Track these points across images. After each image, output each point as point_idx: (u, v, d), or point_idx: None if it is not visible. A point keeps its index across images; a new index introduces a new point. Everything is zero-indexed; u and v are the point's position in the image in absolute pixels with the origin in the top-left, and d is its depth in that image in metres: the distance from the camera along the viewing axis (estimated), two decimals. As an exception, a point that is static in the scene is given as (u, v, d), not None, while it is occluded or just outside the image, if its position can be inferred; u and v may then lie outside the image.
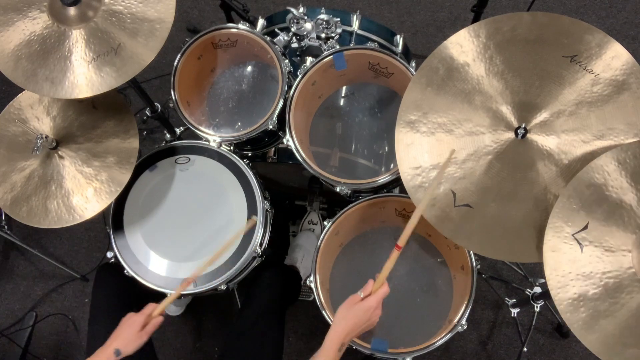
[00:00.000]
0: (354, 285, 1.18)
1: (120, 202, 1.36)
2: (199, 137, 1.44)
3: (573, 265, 0.92)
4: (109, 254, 1.33)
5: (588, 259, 0.92)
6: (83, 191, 1.26)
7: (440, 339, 1.22)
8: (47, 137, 1.23)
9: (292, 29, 1.47)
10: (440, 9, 2.31)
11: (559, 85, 1.03)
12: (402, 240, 1.03)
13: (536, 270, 1.88)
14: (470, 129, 1.08)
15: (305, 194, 1.88)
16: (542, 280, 1.65)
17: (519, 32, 1.06)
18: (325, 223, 1.36)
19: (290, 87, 1.37)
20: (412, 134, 1.11)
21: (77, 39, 1.15)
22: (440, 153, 1.09)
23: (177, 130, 1.68)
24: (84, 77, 1.14)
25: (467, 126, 1.08)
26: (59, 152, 1.27)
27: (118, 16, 1.16)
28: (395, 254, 1.04)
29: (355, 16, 1.53)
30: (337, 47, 1.41)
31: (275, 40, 1.46)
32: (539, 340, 1.85)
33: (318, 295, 1.29)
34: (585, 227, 0.93)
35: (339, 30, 1.46)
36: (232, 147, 1.42)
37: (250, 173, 1.38)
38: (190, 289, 1.29)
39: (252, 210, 1.34)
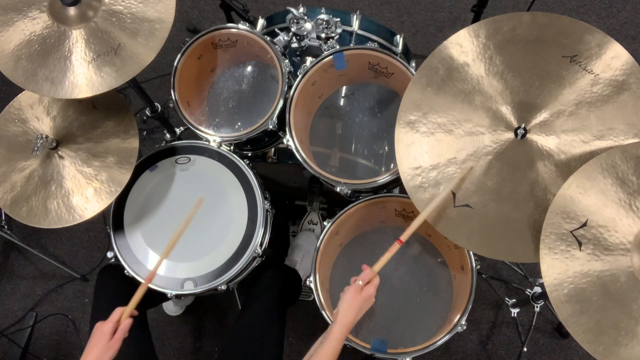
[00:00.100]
0: (353, 285, 1.18)
1: (120, 202, 1.36)
2: (199, 137, 1.44)
3: (571, 263, 0.93)
4: (109, 254, 1.33)
5: (586, 257, 0.92)
6: (83, 191, 1.26)
7: (440, 339, 1.22)
8: (47, 137, 1.23)
9: (292, 29, 1.47)
10: (440, 9, 2.31)
11: (559, 86, 1.03)
12: (405, 236, 1.09)
13: (536, 270, 1.87)
14: (470, 129, 1.08)
15: (305, 194, 1.88)
16: (542, 280, 1.65)
17: (518, 32, 1.06)
18: (325, 223, 1.36)
19: (290, 87, 1.37)
20: (412, 134, 1.11)
21: (77, 39, 1.16)
22: (440, 153, 1.09)
23: (177, 130, 1.68)
24: (84, 77, 1.14)
25: (467, 126, 1.08)
26: (59, 152, 1.27)
27: (118, 16, 1.16)
28: (395, 248, 1.09)
29: (355, 16, 1.53)
30: (337, 47, 1.41)
31: (275, 40, 1.46)
32: (539, 340, 1.85)
33: (318, 295, 1.29)
34: (585, 224, 0.93)
35: (339, 30, 1.46)
36: (232, 147, 1.42)
37: (251, 173, 1.38)
38: (190, 289, 1.29)
39: (252, 210, 1.34)
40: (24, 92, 1.33)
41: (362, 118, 1.52)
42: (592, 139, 1.00)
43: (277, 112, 1.36)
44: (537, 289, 1.62)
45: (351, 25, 1.53)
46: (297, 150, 1.33)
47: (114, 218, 1.35)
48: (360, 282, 1.08)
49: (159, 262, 1.20)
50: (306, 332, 1.89)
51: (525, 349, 1.72)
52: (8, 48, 1.16)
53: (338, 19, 1.45)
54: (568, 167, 1.01)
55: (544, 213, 0.99)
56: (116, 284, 1.36)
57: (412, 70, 1.33)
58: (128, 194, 1.37)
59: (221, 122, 1.54)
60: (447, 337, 1.22)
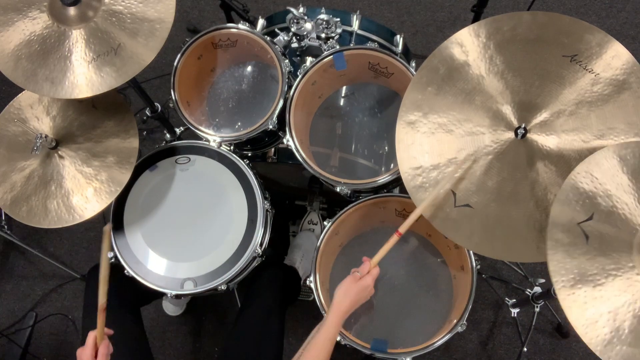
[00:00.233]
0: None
1: (120, 202, 1.36)
2: (199, 137, 1.44)
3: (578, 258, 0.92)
4: (109, 254, 1.33)
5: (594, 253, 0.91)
6: (83, 191, 1.26)
7: (440, 339, 1.22)
8: (47, 136, 1.23)
9: (292, 29, 1.47)
10: (440, 9, 2.31)
11: (559, 85, 1.03)
12: (403, 228, 1.10)
13: (536, 270, 1.88)
14: (471, 129, 1.08)
15: (305, 194, 1.88)
16: (542, 280, 1.65)
17: (519, 31, 1.06)
18: (325, 223, 1.36)
19: (290, 87, 1.37)
20: (413, 134, 1.11)
21: (77, 39, 1.15)
22: (441, 153, 1.09)
23: (177, 130, 1.68)
24: (84, 77, 1.14)
25: (467, 126, 1.08)
26: (59, 152, 1.27)
27: (118, 16, 1.16)
28: (393, 239, 1.11)
29: (355, 16, 1.53)
30: (337, 47, 1.41)
31: (275, 40, 1.46)
32: (539, 340, 1.85)
33: (318, 295, 1.29)
34: (591, 218, 0.92)
35: (339, 30, 1.46)
36: (232, 147, 1.42)
37: (251, 173, 1.38)
38: (190, 289, 1.29)
39: (252, 210, 1.34)
40: (24, 92, 1.33)
41: (362, 118, 1.52)
42: (593, 138, 1.00)
43: (277, 112, 1.36)
44: (537, 289, 1.62)
45: (351, 25, 1.53)
46: (297, 150, 1.33)
47: (114, 218, 1.35)
48: (358, 273, 1.10)
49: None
50: (306, 332, 1.86)
51: (525, 349, 1.72)
52: (8, 48, 1.16)
53: (338, 19, 1.45)
54: (568, 166, 1.00)
55: (545, 213, 0.99)
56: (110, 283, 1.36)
57: (412, 70, 1.33)
58: (128, 194, 1.37)
59: (221, 122, 1.53)
60: (447, 337, 1.22)
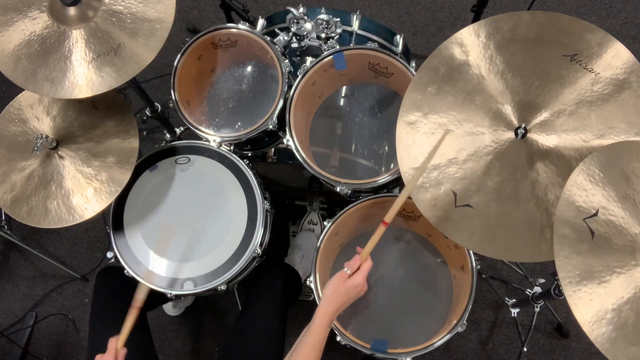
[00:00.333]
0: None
1: (120, 202, 1.36)
2: (199, 137, 1.44)
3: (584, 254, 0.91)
4: (109, 254, 1.33)
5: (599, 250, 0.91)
6: (83, 191, 1.26)
7: (440, 339, 1.22)
8: (47, 137, 1.23)
9: (292, 29, 1.47)
10: (440, 9, 2.31)
11: (559, 85, 1.03)
12: (388, 217, 1.06)
13: (536, 270, 1.88)
14: (471, 129, 1.08)
15: (305, 194, 1.88)
16: (542, 280, 1.65)
17: (519, 31, 1.06)
18: (325, 223, 1.36)
19: (290, 87, 1.37)
20: (413, 134, 1.11)
21: (77, 39, 1.15)
22: (441, 153, 1.09)
23: (177, 130, 1.68)
24: (84, 77, 1.14)
25: (467, 126, 1.08)
26: (59, 152, 1.27)
27: (118, 16, 1.16)
28: (380, 230, 1.07)
29: (355, 16, 1.53)
30: (337, 47, 1.41)
31: (275, 40, 1.46)
32: (539, 340, 1.85)
33: (318, 295, 1.29)
34: (596, 214, 0.92)
35: (339, 30, 1.46)
36: (232, 147, 1.42)
37: (250, 173, 1.38)
38: (190, 289, 1.29)
39: (252, 210, 1.34)
40: (24, 92, 1.33)
41: (362, 118, 1.52)
42: (593, 138, 1.00)
43: (277, 112, 1.36)
44: (537, 289, 1.62)
45: (351, 25, 1.53)
46: (297, 150, 1.33)
47: (114, 218, 1.35)
48: (347, 270, 1.06)
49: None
50: (306, 332, 1.89)
51: (525, 349, 1.72)
52: (8, 48, 1.16)
53: (338, 19, 1.45)
54: (569, 166, 1.00)
55: (545, 213, 0.98)
56: (115, 286, 1.36)
57: (412, 70, 1.33)
58: (128, 194, 1.37)
59: (221, 122, 1.53)
60: (447, 337, 1.22)
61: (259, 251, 1.32)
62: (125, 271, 1.31)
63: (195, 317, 1.97)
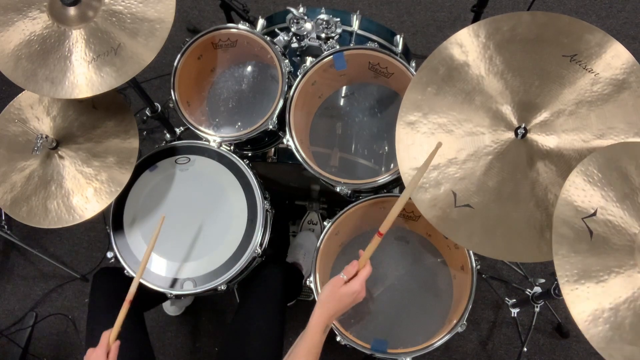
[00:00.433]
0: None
1: (120, 202, 1.36)
2: (199, 137, 1.44)
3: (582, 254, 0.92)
4: (109, 254, 1.33)
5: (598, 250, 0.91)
6: (83, 191, 1.26)
7: (440, 339, 1.22)
8: (47, 137, 1.23)
9: (292, 29, 1.47)
10: (440, 9, 2.31)
11: (559, 85, 1.03)
12: (383, 227, 1.03)
13: (536, 270, 1.88)
14: (471, 129, 1.08)
15: (305, 194, 1.88)
16: (542, 280, 1.65)
17: (518, 31, 1.06)
18: (325, 223, 1.36)
19: (290, 87, 1.37)
20: (413, 134, 1.11)
21: (77, 39, 1.15)
22: (441, 153, 1.09)
23: (177, 130, 1.68)
24: (84, 77, 1.14)
25: (467, 126, 1.08)
26: (59, 152, 1.27)
27: (118, 16, 1.16)
28: (376, 240, 1.03)
29: (355, 16, 1.53)
30: (337, 47, 1.41)
31: (275, 40, 1.46)
32: (539, 340, 1.85)
33: (318, 295, 1.29)
34: (594, 214, 0.92)
35: (339, 30, 1.46)
36: (232, 147, 1.42)
37: (250, 173, 1.38)
38: (190, 289, 1.29)
39: (252, 210, 1.34)
40: (24, 92, 1.33)
41: (362, 118, 1.52)
42: (593, 138, 1.00)
43: (277, 112, 1.36)
44: (537, 289, 1.62)
45: (351, 25, 1.53)
46: (297, 150, 1.33)
47: (114, 218, 1.35)
48: (344, 276, 1.03)
49: (137, 278, 1.18)
50: (306, 332, 1.89)
51: (525, 349, 1.72)
52: (8, 48, 1.16)
53: (338, 19, 1.45)
54: (569, 166, 1.00)
55: (545, 213, 0.98)
56: (112, 286, 1.36)
57: (412, 70, 1.33)
58: (128, 194, 1.37)
59: (221, 122, 1.54)
60: (447, 337, 1.22)
61: (259, 251, 1.32)
62: (125, 271, 1.31)
63: (195, 317, 1.97)
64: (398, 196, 1.35)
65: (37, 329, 2.01)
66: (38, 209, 1.25)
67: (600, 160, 0.94)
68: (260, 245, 1.33)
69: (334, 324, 1.23)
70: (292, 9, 1.46)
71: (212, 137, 1.41)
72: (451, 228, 1.08)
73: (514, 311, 1.71)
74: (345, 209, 1.36)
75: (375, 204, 1.37)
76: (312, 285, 1.30)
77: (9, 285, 2.09)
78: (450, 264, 1.40)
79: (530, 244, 1.02)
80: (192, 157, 1.41)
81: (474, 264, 1.28)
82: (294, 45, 1.49)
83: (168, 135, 1.68)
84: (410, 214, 1.38)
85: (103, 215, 1.28)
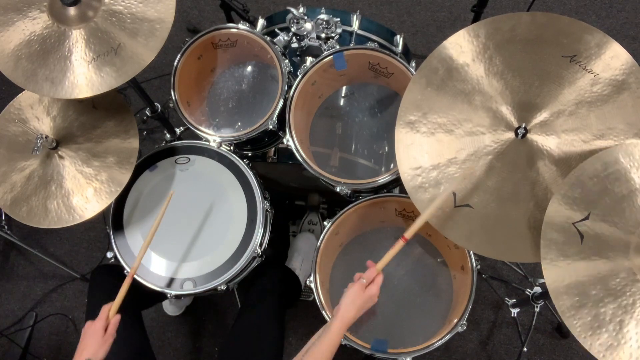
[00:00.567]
0: (354, 285, 1.18)
1: (120, 202, 1.36)
2: (199, 137, 1.44)
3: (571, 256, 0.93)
4: (109, 254, 1.33)
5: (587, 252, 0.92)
6: (83, 191, 1.26)
7: (440, 339, 1.22)
8: (47, 137, 1.23)
9: (292, 29, 1.47)
10: (440, 9, 2.31)
11: (559, 85, 1.03)
12: (409, 233, 1.08)
13: (536, 270, 1.88)
14: (470, 129, 1.08)
15: (305, 194, 1.88)
16: (542, 280, 1.65)
17: (518, 32, 1.06)
18: (325, 223, 1.36)
19: (290, 87, 1.37)
20: (412, 134, 1.11)
21: (77, 39, 1.16)
22: (441, 153, 1.09)
23: (177, 130, 1.68)
24: (84, 77, 1.14)
25: (467, 126, 1.08)
26: (59, 152, 1.27)
27: (118, 16, 1.16)
28: (399, 245, 1.09)
29: (355, 16, 1.53)
30: (337, 47, 1.41)
31: (275, 40, 1.46)
32: (539, 340, 1.85)
33: (318, 295, 1.29)
34: (587, 217, 0.92)
35: (339, 30, 1.46)
36: (232, 147, 1.42)
37: (250, 173, 1.38)
38: (190, 289, 1.29)
39: (252, 210, 1.34)
40: (24, 92, 1.33)
41: (362, 118, 1.52)
42: (592, 138, 1.00)
43: (277, 112, 1.36)
44: (537, 289, 1.62)
45: (351, 25, 1.53)
46: (297, 150, 1.33)
47: (114, 218, 1.35)
48: (364, 281, 1.08)
49: (141, 253, 1.20)
50: (306, 332, 1.89)
51: (525, 349, 1.72)
52: (8, 48, 1.16)
53: (338, 19, 1.45)
54: (568, 166, 1.01)
55: (545, 213, 0.98)
56: (110, 284, 1.36)
57: (412, 70, 1.33)
58: (128, 194, 1.37)
59: (221, 122, 1.54)
60: (447, 337, 1.22)
61: (259, 251, 1.32)
62: (125, 271, 1.31)
63: (195, 317, 1.97)
64: (398, 196, 1.35)
65: (37, 329, 2.01)
66: (38, 209, 1.25)
67: (594, 164, 0.95)
68: (260, 245, 1.33)
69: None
70: (292, 9, 1.46)
71: (212, 137, 1.41)
72: (451, 228, 1.08)
73: (514, 311, 1.71)
74: (345, 209, 1.36)
75: (375, 204, 1.37)
76: (312, 285, 1.30)
77: (9, 285, 2.09)
78: (450, 264, 1.40)
79: (530, 244, 1.03)
80: (192, 157, 1.41)
81: (474, 264, 1.28)
82: (294, 45, 1.49)
83: (168, 135, 1.68)
84: (410, 213, 1.38)
85: (103, 215, 1.28)
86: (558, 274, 0.93)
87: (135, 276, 1.29)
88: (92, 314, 1.33)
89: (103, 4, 1.17)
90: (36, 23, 1.17)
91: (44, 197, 1.25)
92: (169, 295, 1.30)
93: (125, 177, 1.27)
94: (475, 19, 1.73)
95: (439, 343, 1.22)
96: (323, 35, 1.46)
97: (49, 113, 1.32)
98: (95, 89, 1.14)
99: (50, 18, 1.17)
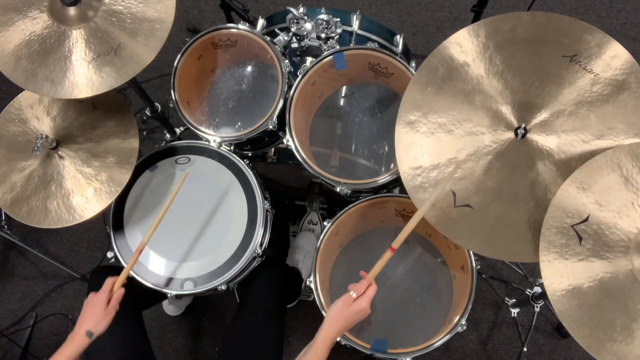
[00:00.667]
0: (354, 285, 1.18)
1: (120, 202, 1.36)
2: (199, 137, 1.44)
3: (570, 257, 0.93)
4: (109, 254, 1.33)
5: (586, 253, 0.92)
6: (83, 191, 1.26)
7: (440, 339, 1.22)
8: (47, 137, 1.23)
9: (292, 29, 1.47)
10: (440, 9, 2.31)
11: (559, 85, 1.03)
12: (396, 243, 1.05)
13: (536, 270, 1.87)
14: (470, 129, 1.08)
15: (305, 194, 1.88)
16: (542, 280, 1.65)
17: (518, 32, 1.06)
18: (325, 223, 1.36)
19: (290, 87, 1.37)
20: (412, 134, 1.11)
21: (77, 39, 1.16)
22: (441, 153, 1.09)
23: (177, 130, 1.68)
24: (84, 77, 1.14)
25: (467, 126, 1.08)
26: (59, 152, 1.27)
27: (118, 16, 1.16)
28: (387, 255, 1.06)
29: (355, 16, 1.53)
30: (337, 47, 1.41)
31: (275, 40, 1.46)
32: (539, 340, 1.85)
33: (318, 295, 1.29)
34: (586, 220, 0.93)
35: (339, 30, 1.46)
36: (232, 147, 1.42)
37: (250, 173, 1.38)
38: (190, 289, 1.29)
39: (252, 210, 1.34)
40: (24, 92, 1.33)
41: (362, 118, 1.52)
42: (592, 138, 1.00)
43: (277, 112, 1.36)
44: (537, 289, 1.62)
45: (351, 25, 1.53)
46: (297, 150, 1.33)
47: (114, 218, 1.35)
48: (353, 294, 1.05)
49: (148, 235, 1.19)
50: (306, 332, 1.89)
51: (525, 349, 1.72)
52: (8, 48, 1.16)
53: (338, 19, 1.45)
54: (568, 166, 1.01)
55: (545, 213, 0.99)
56: None
57: (412, 70, 1.33)
58: (128, 194, 1.37)
59: (221, 122, 1.54)
60: (447, 337, 1.22)
61: (259, 251, 1.32)
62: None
63: (195, 317, 1.97)
64: (398, 196, 1.35)
65: (37, 329, 2.01)
66: (38, 209, 1.25)
67: (595, 166, 0.95)
68: (261, 245, 1.33)
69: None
70: (292, 9, 1.46)
71: (212, 137, 1.41)
72: (451, 228, 1.08)
73: (514, 311, 1.71)
74: (345, 209, 1.36)
75: (375, 204, 1.37)
76: (312, 285, 1.30)
77: (9, 285, 2.09)
78: (450, 264, 1.40)
79: (530, 244, 1.03)
80: (192, 157, 1.41)
81: (474, 264, 1.28)
82: (294, 45, 1.49)
83: (168, 135, 1.68)
84: (410, 214, 1.38)
85: (103, 215, 1.28)
86: (557, 274, 0.93)
87: (135, 275, 1.29)
88: None
89: (103, 4, 1.17)
90: (36, 23, 1.17)
91: (44, 197, 1.25)
92: (169, 295, 1.30)
93: (125, 177, 1.27)
94: (475, 19, 1.73)
95: (439, 343, 1.22)
96: (323, 35, 1.46)
97: (49, 113, 1.32)
98: (95, 89, 1.14)
99: (50, 18, 1.17)
